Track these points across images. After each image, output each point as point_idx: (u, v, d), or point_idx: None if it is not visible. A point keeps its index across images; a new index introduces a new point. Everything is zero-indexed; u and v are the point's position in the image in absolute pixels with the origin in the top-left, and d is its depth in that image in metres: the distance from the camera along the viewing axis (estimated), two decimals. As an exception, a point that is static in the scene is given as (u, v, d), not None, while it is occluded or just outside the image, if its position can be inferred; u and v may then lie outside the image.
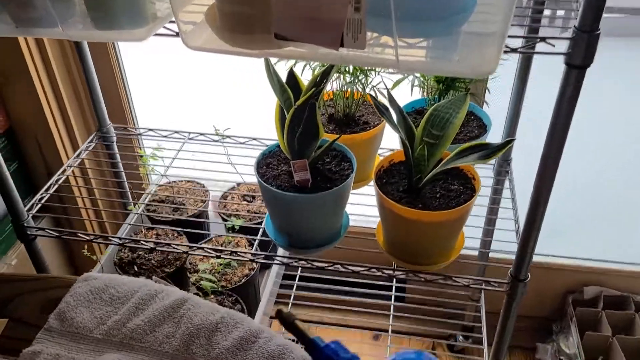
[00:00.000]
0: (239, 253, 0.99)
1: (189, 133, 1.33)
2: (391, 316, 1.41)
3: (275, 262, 0.98)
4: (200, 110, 1.55)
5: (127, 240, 1.02)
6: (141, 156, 1.37)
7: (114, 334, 0.63)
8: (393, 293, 1.42)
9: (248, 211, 1.40)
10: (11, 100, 1.33)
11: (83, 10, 0.68)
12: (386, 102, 0.94)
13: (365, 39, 0.59)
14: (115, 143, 1.33)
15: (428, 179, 0.89)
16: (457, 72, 0.79)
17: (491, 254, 1.29)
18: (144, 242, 1.01)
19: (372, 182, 1.13)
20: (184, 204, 1.43)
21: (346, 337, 1.56)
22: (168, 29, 0.72)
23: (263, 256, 0.99)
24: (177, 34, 0.76)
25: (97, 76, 1.24)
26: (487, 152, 0.84)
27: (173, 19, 0.71)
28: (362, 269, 0.97)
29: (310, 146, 0.91)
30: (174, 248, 1.02)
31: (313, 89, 0.84)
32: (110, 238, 1.02)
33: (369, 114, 1.10)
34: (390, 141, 1.16)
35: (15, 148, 1.40)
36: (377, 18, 0.59)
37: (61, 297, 0.67)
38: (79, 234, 1.03)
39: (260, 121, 1.47)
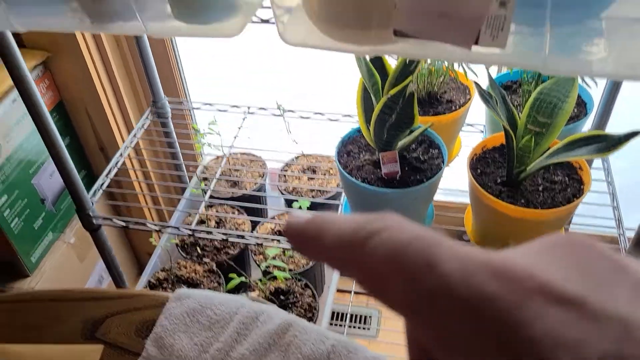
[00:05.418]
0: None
1: (249, 107, 1.26)
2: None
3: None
4: (257, 86, 1.45)
5: (197, 231, 0.97)
6: (197, 131, 1.31)
7: (218, 364, 0.58)
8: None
9: (310, 187, 1.33)
10: (60, 74, 1.27)
11: (165, 3, 0.59)
12: (473, 77, 0.85)
13: (507, 36, 0.50)
14: (170, 119, 1.27)
15: (531, 171, 0.81)
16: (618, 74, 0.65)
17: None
18: (215, 233, 0.96)
19: (452, 164, 1.05)
20: (241, 179, 1.37)
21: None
22: (259, 18, 0.64)
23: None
24: (264, 20, 0.68)
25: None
26: (605, 144, 0.75)
27: (264, 3, 0.62)
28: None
29: (401, 135, 0.83)
30: (247, 239, 0.96)
31: (410, 79, 0.75)
32: (180, 228, 0.97)
33: (452, 90, 1.01)
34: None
35: (67, 122, 1.35)
36: (523, 7, 0.50)
37: (154, 318, 0.62)
38: (147, 224, 0.98)
39: (324, 93, 1.39)
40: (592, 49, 0.55)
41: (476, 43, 0.52)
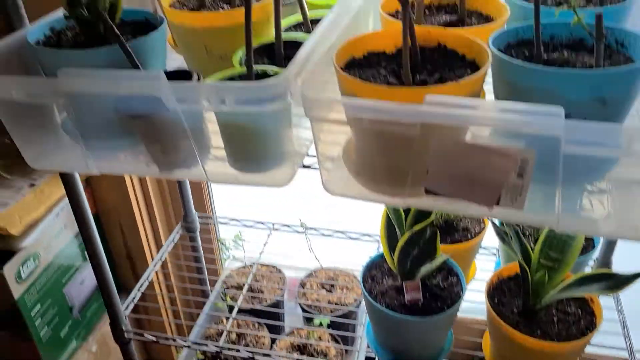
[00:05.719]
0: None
1: (273, 224, 1.33)
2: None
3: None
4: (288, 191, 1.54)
5: (225, 349, 1.01)
6: (223, 244, 1.37)
7: None
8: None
9: (329, 301, 1.38)
10: (100, 190, 1.36)
11: (223, 153, 0.69)
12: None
13: (524, 201, 0.58)
14: (198, 233, 1.34)
15: (546, 304, 0.86)
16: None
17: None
18: (242, 351, 0.99)
19: (468, 285, 1.11)
20: (261, 291, 1.42)
21: None
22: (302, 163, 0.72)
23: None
24: (306, 166, 0.76)
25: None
26: (613, 282, 0.81)
27: (309, 153, 0.71)
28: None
29: (423, 266, 0.89)
30: (272, 358, 1.00)
31: (432, 218, 0.83)
32: (208, 345, 1.01)
33: (467, 219, 1.09)
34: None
35: (99, 233, 1.42)
36: (537, 173, 0.58)
37: None
38: (177, 340, 1.02)
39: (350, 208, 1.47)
40: (598, 208, 0.63)
41: (497, 204, 0.60)
